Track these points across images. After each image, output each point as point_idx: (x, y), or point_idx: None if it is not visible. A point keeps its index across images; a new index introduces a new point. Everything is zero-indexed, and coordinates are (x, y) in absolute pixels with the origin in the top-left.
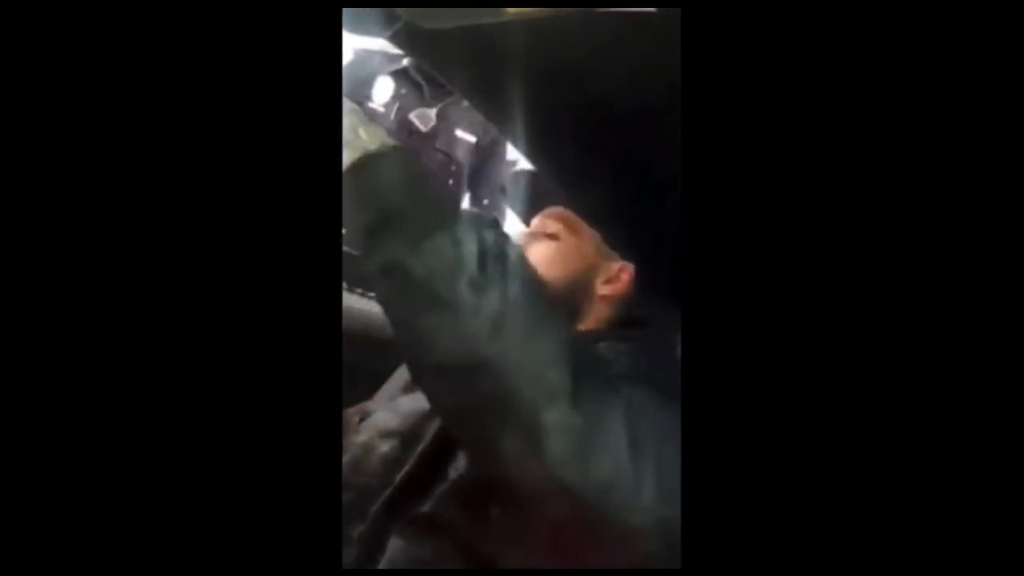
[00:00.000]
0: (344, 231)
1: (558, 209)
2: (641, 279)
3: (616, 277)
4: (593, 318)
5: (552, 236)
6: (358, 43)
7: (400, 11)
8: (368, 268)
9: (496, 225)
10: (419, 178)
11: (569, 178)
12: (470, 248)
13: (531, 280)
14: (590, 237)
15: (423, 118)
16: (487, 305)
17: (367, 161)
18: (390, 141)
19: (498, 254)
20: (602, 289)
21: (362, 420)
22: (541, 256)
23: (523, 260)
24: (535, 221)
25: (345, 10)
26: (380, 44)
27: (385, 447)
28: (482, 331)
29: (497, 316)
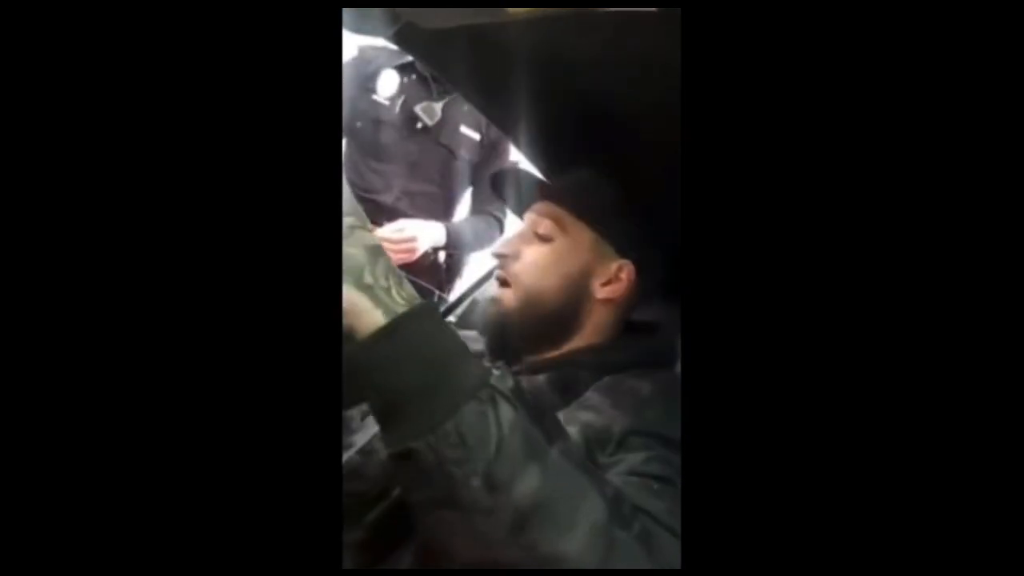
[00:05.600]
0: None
1: (545, 204)
2: (643, 280)
3: (615, 277)
4: (592, 324)
5: (544, 238)
6: (363, 40)
7: (400, 11)
8: (387, 450)
9: (518, 390)
10: (444, 341)
11: (568, 177)
12: (488, 432)
13: (563, 454)
14: (584, 234)
15: (428, 112)
16: (505, 503)
17: (396, 326)
18: (419, 299)
19: (522, 432)
20: (601, 292)
21: (364, 418)
22: (534, 262)
23: (556, 427)
24: (526, 218)
25: (345, 10)
26: (384, 41)
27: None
28: (501, 532)
29: (518, 515)
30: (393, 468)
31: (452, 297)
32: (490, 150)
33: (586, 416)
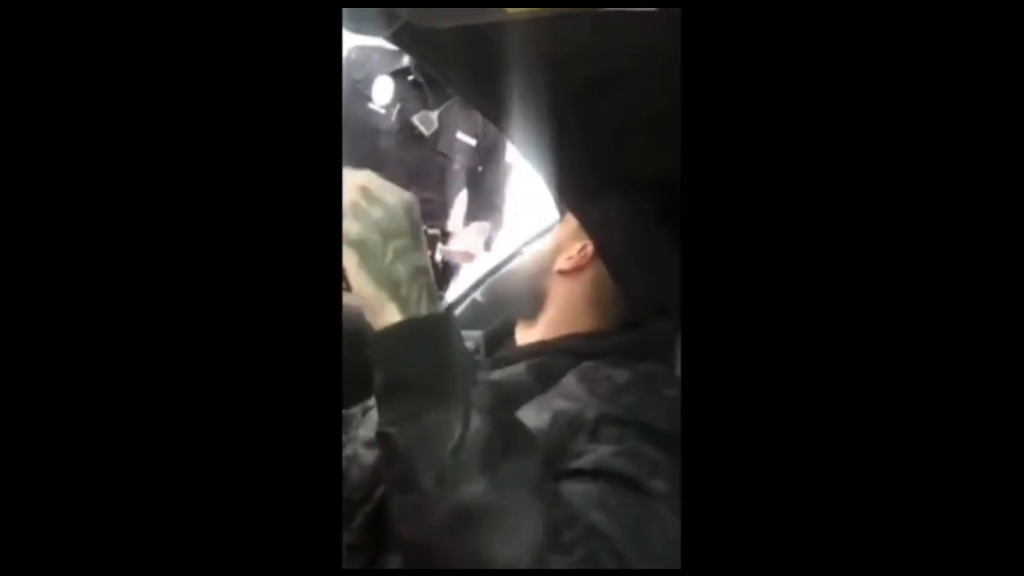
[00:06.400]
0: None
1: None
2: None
3: (576, 253)
4: (555, 297)
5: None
6: (355, 40)
7: (400, 11)
8: (376, 429)
9: (493, 406)
10: (450, 349)
11: (568, 178)
12: (452, 437)
13: (517, 471)
14: (569, 223)
15: (426, 122)
16: (450, 497)
17: (408, 327)
18: (440, 309)
19: (483, 444)
20: (561, 264)
21: (365, 414)
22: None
23: (524, 444)
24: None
25: (345, 10)
26: (377, 40)
27: (369, 458)
28: (442, 521)
29: (459, 512)
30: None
31: (451, 297)
32: (487, 154)
33: (560, 403)
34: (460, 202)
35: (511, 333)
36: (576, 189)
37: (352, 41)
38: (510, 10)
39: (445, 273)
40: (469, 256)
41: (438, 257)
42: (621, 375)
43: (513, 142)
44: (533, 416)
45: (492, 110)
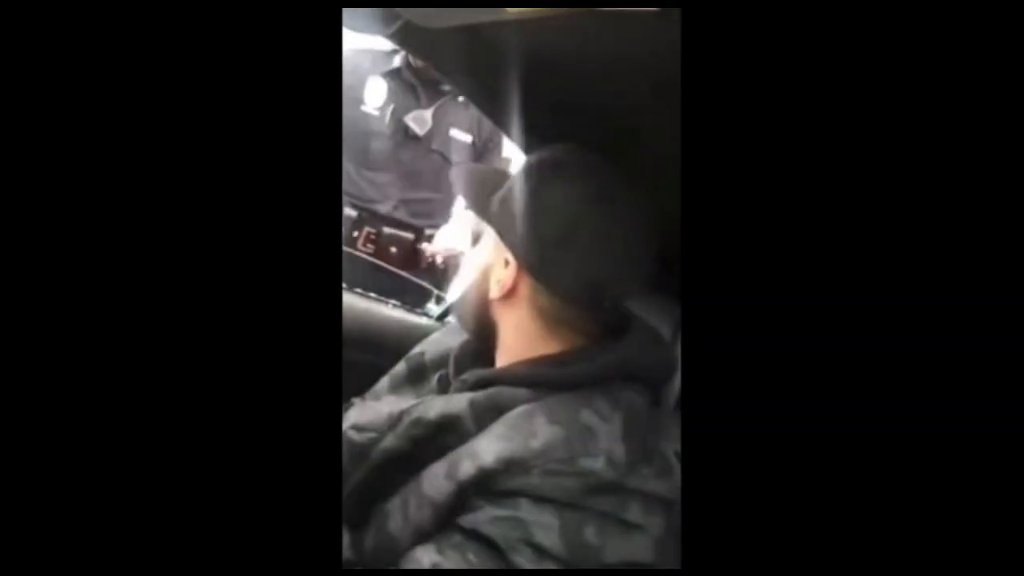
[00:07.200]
0: None
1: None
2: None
3: (503, 270)
4: (505, 326)
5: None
6: (345, 43)
7: (400, 10)
8: None
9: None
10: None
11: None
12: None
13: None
14: (489, 236)
15: (419, 121)
16: None
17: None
18: None
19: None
20: (493, 291)
21: (346, 410)
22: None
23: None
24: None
25: (345, 9)
26: (369, 43)
27: (356, 437)
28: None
29: None
30: None
31: (452, 297)
32: (483, 150)
33: (467, 468)
34: (460, 199)
35: (490, 349)
36: None
37: (343, 44)
38: (510, 10)
39: (446, 272)
40: (454, 253)
41: (440, 259)
42: (550, 432)
43: (513, 140)
44: (440, 475)
45: (491, 108)
